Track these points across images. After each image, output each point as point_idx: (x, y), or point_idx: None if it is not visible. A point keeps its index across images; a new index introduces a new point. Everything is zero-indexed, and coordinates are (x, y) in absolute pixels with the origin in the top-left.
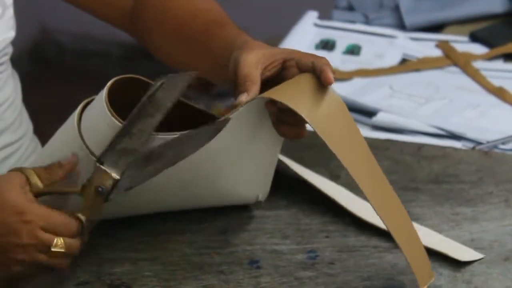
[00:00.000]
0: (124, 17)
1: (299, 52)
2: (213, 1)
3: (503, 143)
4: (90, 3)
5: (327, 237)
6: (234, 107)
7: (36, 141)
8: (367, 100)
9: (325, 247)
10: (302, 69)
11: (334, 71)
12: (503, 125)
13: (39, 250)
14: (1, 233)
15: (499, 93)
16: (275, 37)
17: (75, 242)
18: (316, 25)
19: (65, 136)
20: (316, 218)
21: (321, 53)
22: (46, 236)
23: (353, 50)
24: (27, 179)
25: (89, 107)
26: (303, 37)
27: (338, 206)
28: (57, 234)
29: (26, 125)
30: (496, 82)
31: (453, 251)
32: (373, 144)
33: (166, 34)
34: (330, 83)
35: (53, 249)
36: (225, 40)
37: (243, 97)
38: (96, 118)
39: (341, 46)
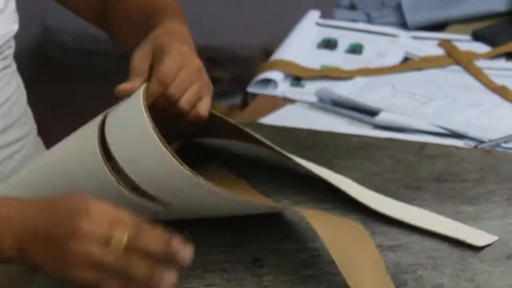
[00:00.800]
0: (96, 8)
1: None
2: None
3: (505, 142)
4: None
5: None
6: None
7: (38, 140)
8: (369, 99)
9: None
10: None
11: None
12: (505, 124)
13: (97, 243)
14: (54, 224)
15: (501, 91)
16: (277, 37)
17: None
18: (318, 24)
19: (84, 160)
20: None
21: (323, 52)
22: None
23: (355, 49)
24: None
25: (114, 125)
26: (305, 36)
27: (346, 199)
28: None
29: (30, 122)
30: (499, 81)
31: (468, 237)
32: (375, 143)
33: (124, 21)
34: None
35: (114, 242)
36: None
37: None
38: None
39: (343, 45)
